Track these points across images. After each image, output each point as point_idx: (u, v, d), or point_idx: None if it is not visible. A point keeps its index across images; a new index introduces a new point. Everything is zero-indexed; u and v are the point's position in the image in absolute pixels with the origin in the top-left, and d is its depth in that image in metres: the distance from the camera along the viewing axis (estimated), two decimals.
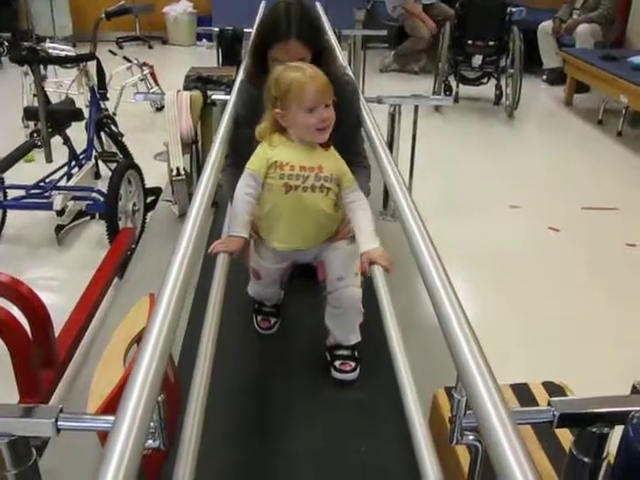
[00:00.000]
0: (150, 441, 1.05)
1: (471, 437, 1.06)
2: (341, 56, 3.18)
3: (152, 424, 1.02)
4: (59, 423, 1.00)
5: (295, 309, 2.23)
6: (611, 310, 2.98)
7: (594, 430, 1.03)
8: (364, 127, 2.11)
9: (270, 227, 1.82)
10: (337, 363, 1.94)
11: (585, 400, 1.06)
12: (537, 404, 1.62)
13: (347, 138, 1.94)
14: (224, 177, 2.04)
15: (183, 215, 1.62)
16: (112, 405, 1.36)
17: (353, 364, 1.94)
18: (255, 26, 4.01)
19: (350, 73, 2.50)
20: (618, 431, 1.03)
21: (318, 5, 4.54)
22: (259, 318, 2.14)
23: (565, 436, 1.50)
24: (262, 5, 4.66)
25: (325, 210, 1.77)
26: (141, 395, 0.85)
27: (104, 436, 0.98)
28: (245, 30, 4.79)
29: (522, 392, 1.69)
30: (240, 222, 1.71)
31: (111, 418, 0.84)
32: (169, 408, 1.10)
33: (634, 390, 1.10)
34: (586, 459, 1.06)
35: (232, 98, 2.27)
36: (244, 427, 1.80)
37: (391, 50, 7.68)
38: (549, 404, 1.04)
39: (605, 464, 1.07)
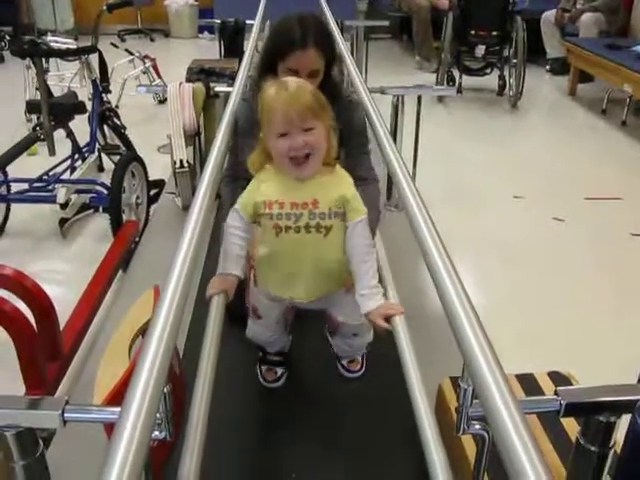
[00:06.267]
0: (156, 432, 1.05)
1: (478, 426, 1.06)
2: (346, 53, 3.16)
3: (158, 415, 1.02)
4: (65, 415, 1.01)
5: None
6: (617, 300, 2.97)
7: (601, 419, 1.03)
8: (368, 119, 2.07)
9: (266, 273, 1.62)
10: (345, 362, 1.94)
11: (591, 389, 1.06)
12: (543, 394, 1.62)
13: (351, 162, 1.69)
14: (223, 194, 1.95)
15: (187, 207, 1.62)
16: (117, 397, 1.36)
17: (360, 360, 1.95)
18: (251, 27, 4.01)
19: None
20: (625, 420, 1.02)
21: None
22: (264, 369, 1.92)
23: (571, 425, 1.50)
24: None
25: (327, 255, 1.52)
26: (147, 386, 0.85)
27: (110, 427, 0.99)
28: (247, 22, 4.78)
29: (528, 382, 1.69)
30: (232, 259, 1.52)
31: (117, 409, 0.84)
32: (174, 399, 1.10)
33: None
34: (593, 448, 1.06)
35: (233, 96, 2.25)
36: (249, 417, 1.80)
37: (396, 41, 7.62)
38: (555, 393, 1.04)
39: (612, 453, 1.07)
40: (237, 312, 1.84)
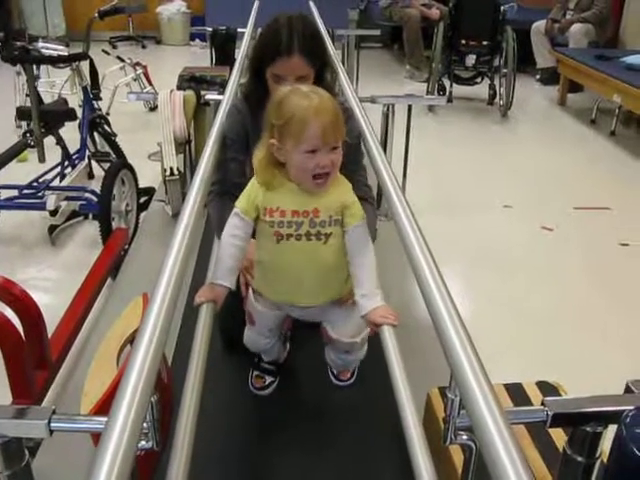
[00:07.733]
0: (143, 442, 1.05)
1: (465, 437, 1.06)
2: (337, 62, 3.16)
3: (145, 425, 1.02)
4: (52, 424, 1.00)
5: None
6: (606, 309, 2.98)
7: (588, 429, 1.04)
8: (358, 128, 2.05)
9: (264, 277, 1.62)
10: (335, 370, 1.95)
11: (578, 400, 1.07)
12: (531, 404, 1.63)
13: (348, 179, 1.59)
14: (210, 209, 1.90)
15: (176, 215, 1.61)
16: (105, 406, 1.35)
17: (350, 370, 1.95)
18: (243, 35, 4.02)
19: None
20: (612, 430, 1.03)
21: (312, 5, 4.53)
22: (254, 374, 1.93)
23: (559, 435, 1.50)
24: (255, 5, 4.66)
25: (328, 260, 1.51)
26: (134, 396, 0.85)
27: (97, 437, 0.98)
28: (238, 30, 4.80)
29: (516, 392, 1.70)
30: (224, 269, 1.47)
31: (104, 419, 0.84)
32: (162, 409, 1.10)
33: (627, 389, 1.10)
34: (580, 458, 1.07)
35: (223, 105, 2.25)
36: (238, 426, 1.80)
37: (387, 50, 7.65)
38: (542, 404, 1.04)
39: (599, 463, 1.08)
40: (233, 321, 1.83)
